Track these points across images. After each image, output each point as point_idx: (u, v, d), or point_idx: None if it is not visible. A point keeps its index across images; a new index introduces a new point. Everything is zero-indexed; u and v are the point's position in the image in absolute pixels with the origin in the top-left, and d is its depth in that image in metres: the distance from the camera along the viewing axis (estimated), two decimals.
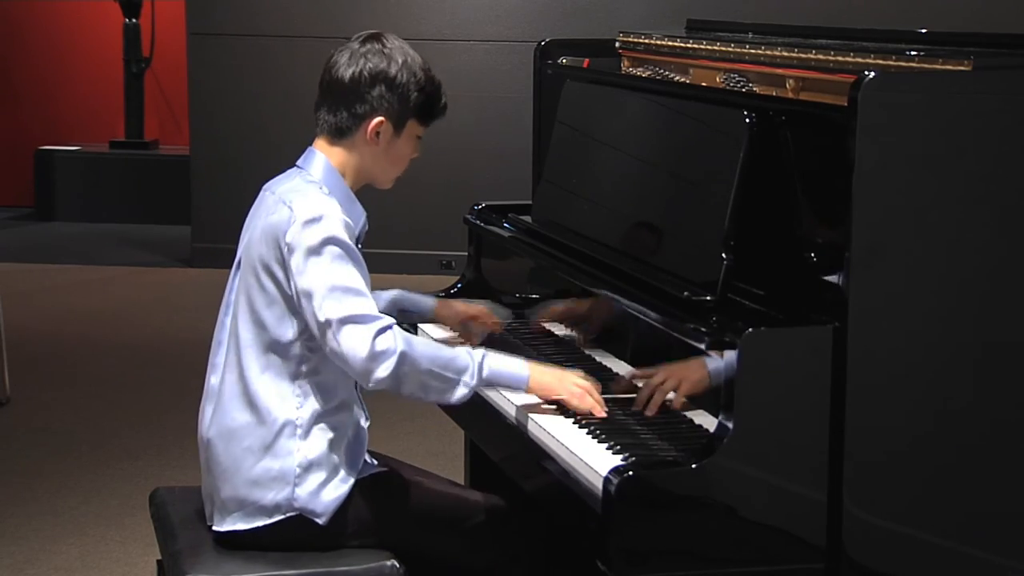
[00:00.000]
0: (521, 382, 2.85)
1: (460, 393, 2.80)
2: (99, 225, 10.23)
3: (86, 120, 10.94)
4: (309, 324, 2.77)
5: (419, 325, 3.45)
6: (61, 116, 10.94)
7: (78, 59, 10.92)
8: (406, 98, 2.87)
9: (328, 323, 2.73)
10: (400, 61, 2.86)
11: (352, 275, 2.75)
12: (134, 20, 10.48)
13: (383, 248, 8.32)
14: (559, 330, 3.37)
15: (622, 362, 3.05)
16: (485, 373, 2.81)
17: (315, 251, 2.74)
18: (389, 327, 2.74)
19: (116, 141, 10.61)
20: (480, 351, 2.85)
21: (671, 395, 2.76)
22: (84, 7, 10.91)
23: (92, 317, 7.58)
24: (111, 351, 6.88)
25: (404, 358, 2.73)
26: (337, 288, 2.73)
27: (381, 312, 2.80)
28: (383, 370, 2.72)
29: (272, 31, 8.76)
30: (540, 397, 2.87)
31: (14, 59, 10.93)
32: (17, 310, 7.11)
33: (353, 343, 2.72)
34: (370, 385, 2.77)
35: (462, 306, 3.37)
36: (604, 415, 2.79)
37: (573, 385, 2.83)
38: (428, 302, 3.36)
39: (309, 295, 2.75)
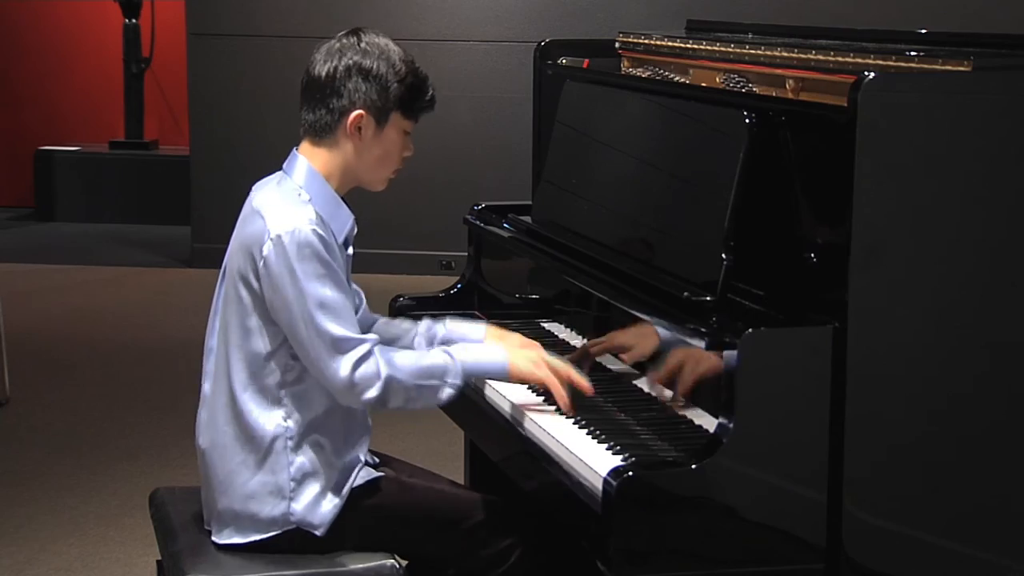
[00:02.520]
0: (502, 371, 2.87)
1: (446, 395, 2.82)
2: (99, 225, 10.23)
3: (86, 120, 10.94)
4: (291, 343, 2.76)
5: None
6: (61, 116, 10.94)
7: (78, 59, 10.92)
8: (385, 89, 2.82)
9: (309, 347, 2.72)
10: (376, 53, 2.82)
11: (331, 294, 2.72)
12: (134, 20, 10.49)
13: (383, 248, 8.32)
14: (561, 332, 3.37)
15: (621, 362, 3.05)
16: (467, 368, 2.83)
17: (291, 270, 2.71)
18: (370, 352, 2.73)
19: (116, 141, 10.61)
20: (456, 347, 2.87)
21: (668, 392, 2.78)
22: (84, 7, 10.91)
23: (92, 317, 7.58)
24: (111, 351, 6.88)
25: (390, 381, 2.74)
26: (315, 310, 2.71)
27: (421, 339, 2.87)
28: (369, 394, 2.74)
29: (272, 31, 8.76)
30: (520, 382, 2.91)
31: (14, 59, 10.93)
32: (17, 310, 7.11)
33: (335, 370, 2.71)
34: (355, 405, 2.79)
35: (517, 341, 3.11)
36: (590, 392, 2.83)
37: (551, 369, 2.85)
38: (477, 335, 3.11)
39: (288, 314, 2.72)
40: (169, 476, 5.00)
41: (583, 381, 2.85)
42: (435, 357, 2.82)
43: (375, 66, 2.81)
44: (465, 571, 2.95)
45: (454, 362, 2.82)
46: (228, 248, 2.87)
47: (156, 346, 6.96)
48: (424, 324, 3.11)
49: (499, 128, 8.51)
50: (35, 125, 10.89)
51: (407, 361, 2.79)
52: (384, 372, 2.73)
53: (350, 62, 2.81)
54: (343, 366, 2.71)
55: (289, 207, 2.76)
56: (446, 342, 3.04)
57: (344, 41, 2.84)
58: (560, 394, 2.83)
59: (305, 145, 2.87)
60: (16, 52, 10.92)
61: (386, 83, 2.82)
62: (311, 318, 2.71)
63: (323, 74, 2.82)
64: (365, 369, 2.72)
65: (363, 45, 2.82)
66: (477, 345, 2.96)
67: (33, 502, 4.82)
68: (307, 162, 2.84)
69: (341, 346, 2.72)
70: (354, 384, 2.72)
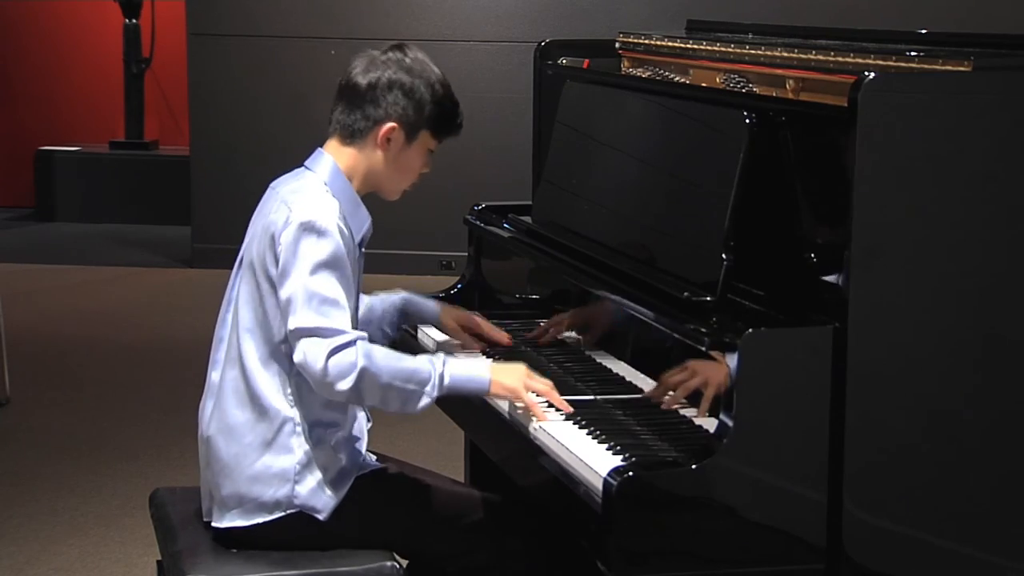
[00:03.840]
0: (483, 387, 2.86)
1: (422, 403, 2.82)
2: (99, 225, 10.23)
3: (86, 120, 10.94)
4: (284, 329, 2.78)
5: (420, 327, 3.45)
6: (61, 116, 10.94)
7: (78, 59, 10.92)
8: (421, 108, 2.89)
9: (293, 333, 2.75)
10: (419, 72, 2.90)
11: (331, 286, 2.75)
12: (134, 20, 10.49)
13: (383, 248, 8.30)
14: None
15: (622, 362, 3.05)
16: (447, 381, 2.82)
17: (302, 256, 2.75)
18: (351, 343, 2.73)
19: (116, 141, 10.62)
20: (441, 358, 2.85)
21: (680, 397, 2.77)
22: (84, 7, 10.91)
23: (92, 317, 7.58)
24: (111, 351, 6.88)
25: (364, 374, 2.73)
26: (312, 298, 2.73)
27: (382, 317, 2.89)
28: (342, 384, 2.73)
29: (272, 31, 8.76)
30: (502, 400, 2.92)
31: (14, 59, 10.92)
32: (17, 310, 7.10)
33: (311, 357, 2.73)
34: (333, 397, 2.78)
35: (464, 318, 3.30)
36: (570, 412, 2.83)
37: (533, 389, 2.85)
38: (432, 311, 3.32)
39: (287, 301, 2.76)
40: (169, 476, 5.00)
41: (563, 403, 2.85)
42: (418, 362, 2.81)
43: (416, 85, 2.89)
44: (465, 570, 2.95)
45: (435, 371, 2.81)
46: (245, 239, 2.91)
47: (156, 346, 6.96)
48: (381, 295, 3.26)
49: (499, 128, 8.50)
50: (35, 125, 10.89)
51: (388, 359, 2.78)
52: (360, 363, 2.73)
53: (393, 76, 2.88)
54: (320, 354, 2.72)
55: (317, 197, 2.83)
56: (403, 307, 3.28)
57: (390, 55, 2.92)
58: (540, 416, 2.82)
59: (333, 143, 2.93)
60: (16, 52, 10.92)
61: (423, 102, 2.89)
62: (306, 306, 2.73)
63: (365, 83, 2.89)
64: (341, 358, 2.72)
65: (408, 62, 2.91)
66: (462, 359, 2.95)
67: (33, 502, 4.82)
68: (332, 160, 2.90)
69: (323, 334, 2.73)
70: (327, 371, 2.72)
